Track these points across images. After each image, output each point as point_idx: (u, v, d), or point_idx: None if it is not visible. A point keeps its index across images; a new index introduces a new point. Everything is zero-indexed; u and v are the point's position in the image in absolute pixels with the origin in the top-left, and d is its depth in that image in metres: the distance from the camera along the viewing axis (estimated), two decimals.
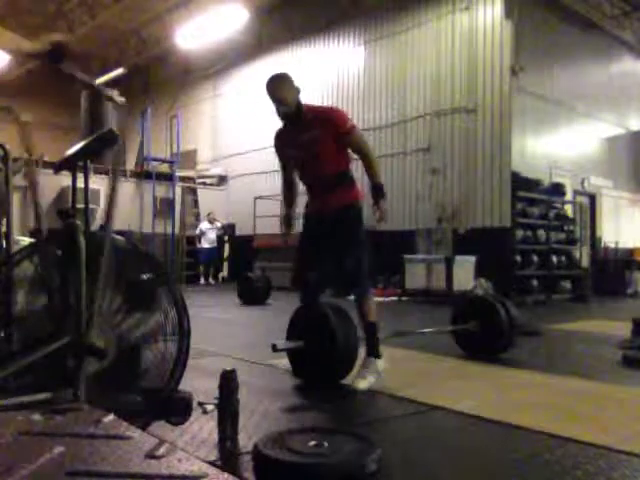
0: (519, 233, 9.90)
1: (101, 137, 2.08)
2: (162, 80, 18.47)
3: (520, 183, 10.09)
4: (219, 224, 14.33)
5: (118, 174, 2.77)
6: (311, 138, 3.52)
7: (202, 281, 14.34)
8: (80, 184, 2.03)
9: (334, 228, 3.62)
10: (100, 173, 13.24)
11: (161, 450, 1.13)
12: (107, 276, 2.02)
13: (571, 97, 11.74)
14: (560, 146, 11.57)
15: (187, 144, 16.25)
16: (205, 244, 14.07)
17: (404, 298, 9.99)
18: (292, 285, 4.15)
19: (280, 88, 3.49)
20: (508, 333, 4.18)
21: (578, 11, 11.73)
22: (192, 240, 14.50)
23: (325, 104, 13.23)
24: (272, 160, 16.52)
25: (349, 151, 3.67)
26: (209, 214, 14.30)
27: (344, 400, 3.16)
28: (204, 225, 14.23)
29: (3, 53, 15.90)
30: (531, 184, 10.29)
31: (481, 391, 3.35)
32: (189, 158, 16.66)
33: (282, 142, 3.72)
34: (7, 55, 15.48)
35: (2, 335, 1.96)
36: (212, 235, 14.14)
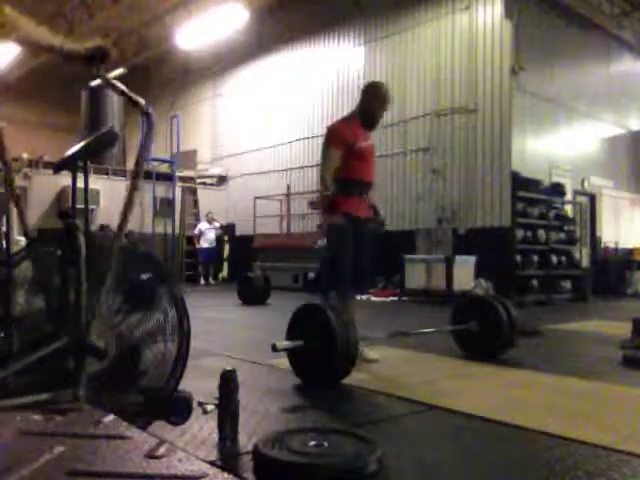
0: (519, 233, 9.90)
1: (101, 137, 2.08)
2: (162, 80, 18.47)
3: (520, 183, 10.09)
4: (218, 224, 14.33)
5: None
6: (373, 145, 4.32)
7: (202, 281, 14.34)
8: (80, 184, 2.03)
9: (366, 231, 4.18)
10: (100, 173, 13.26)
11: (161, 450, 1.13)
12: (109, 276, 2.02)
13: (571, 97, 11.74)
14: (560, 146, 11.57)
15: (187, 144, 16.25)
16: (204, 244, 14.06)
17: (404, 298, 10.00)
18: (338, 283, 4.11)
19: None
20: (508, 333, 4.19)
21: (578, 11, 11.73)
22: (192, 240, 14.51)
23: (325, 104, 13.33)
24: (272, 160, 16.45)
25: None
26: (208, 214, 14.30)
27: (344, 400, 3.16)
28: (203, 225, 14.23)
29: (7, 49, 15.87)
30: (531, 184, 10.29)
31: (481, 391, 3.35)
32: (189, 158, 16.67)
33: (354, 133, 4.17)
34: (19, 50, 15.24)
35: (2, 335, 1.96)
36: (211, 235, 14.13)
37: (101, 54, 1.92)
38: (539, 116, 10.95)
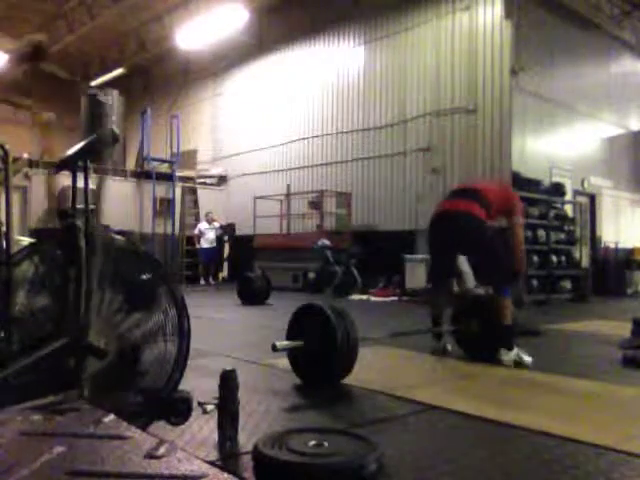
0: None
1: (101, 137, 2.08)
2: (162, 80, 18.47)
3: (520, 183, 10.08)
4: (217, 224, 14.32)
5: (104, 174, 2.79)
6: None
7: (202, 281, 14.33)
8: (80, 184, 2.03)
9: None
10: (99, 173, 13.25)
11: (161, 450, 1.13)
12: (105, 276, 2.02)
13: (571, 97, 11.74)
14: (560, 146, 11.57)
15: (187, 144, 16.25)
16: (204, 244, 14.05)
17: (404, 298, 9.99)
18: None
19: None
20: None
21: (578, 11, 11.72)
22: (192, 240, 14.50)
23: (325, 104, 13.32)
24: (272, 160, 16.43)
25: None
26: (208, 214, 14.29)
27: (344, 400, 3.16)
28: (203, 225, 14.21)
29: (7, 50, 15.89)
30: (531, 184, 10.28)
31: (481, 391, 3.35)
32: (189, 158, 16.66)
33: None
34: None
35: (2, 335, 1.96)
36: (211, 235, 14.11)
37: (33, 51, 1.90)
38: (539, 116, 10.94)
